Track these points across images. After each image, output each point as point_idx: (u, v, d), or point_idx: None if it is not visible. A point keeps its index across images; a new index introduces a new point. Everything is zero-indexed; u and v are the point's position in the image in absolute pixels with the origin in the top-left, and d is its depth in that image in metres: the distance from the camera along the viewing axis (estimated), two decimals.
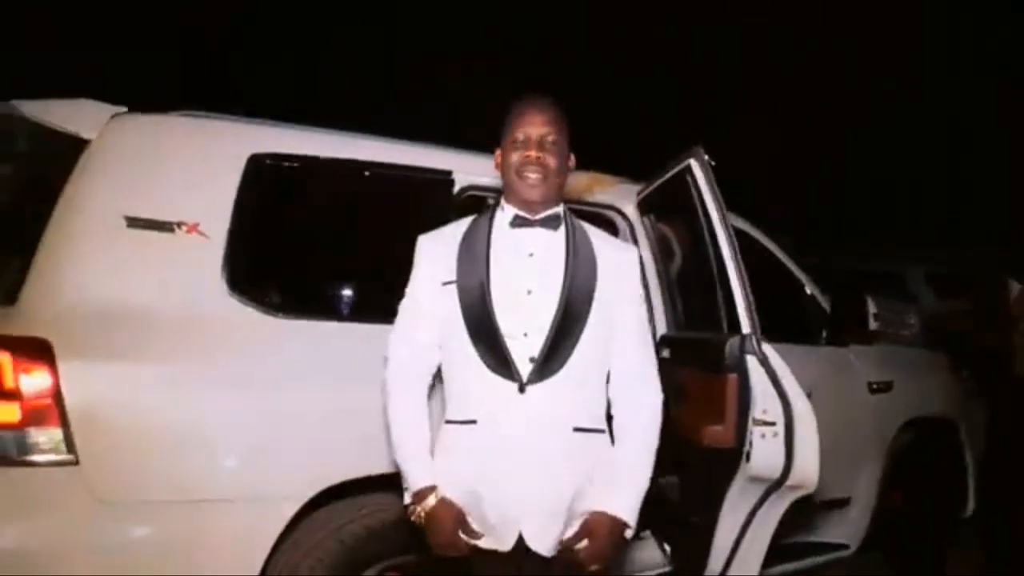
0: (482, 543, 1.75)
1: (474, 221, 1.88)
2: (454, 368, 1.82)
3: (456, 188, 2.57)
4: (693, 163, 2.33)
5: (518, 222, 1.81)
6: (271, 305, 2.19)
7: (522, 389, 1.72)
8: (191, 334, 2.06)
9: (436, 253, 1.85)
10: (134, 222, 2.03)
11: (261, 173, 2.22)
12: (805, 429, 2.10)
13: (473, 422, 1.75)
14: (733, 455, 2.21)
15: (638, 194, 2.94)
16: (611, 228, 3.13)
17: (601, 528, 1.73)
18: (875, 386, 3.54)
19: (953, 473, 3.89)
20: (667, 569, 2.85)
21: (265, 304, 2.18)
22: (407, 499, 1.80)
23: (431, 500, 1.74)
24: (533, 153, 1.77)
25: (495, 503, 1.73)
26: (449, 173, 2.56)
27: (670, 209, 2.73)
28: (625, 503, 1.75)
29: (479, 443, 1.75)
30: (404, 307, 1.89)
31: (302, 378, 2.15)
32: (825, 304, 3.49)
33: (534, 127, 1.78)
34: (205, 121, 2.28)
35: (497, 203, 1.89)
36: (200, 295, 2.10)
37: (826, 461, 3.14)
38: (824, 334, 3.46)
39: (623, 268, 1.86)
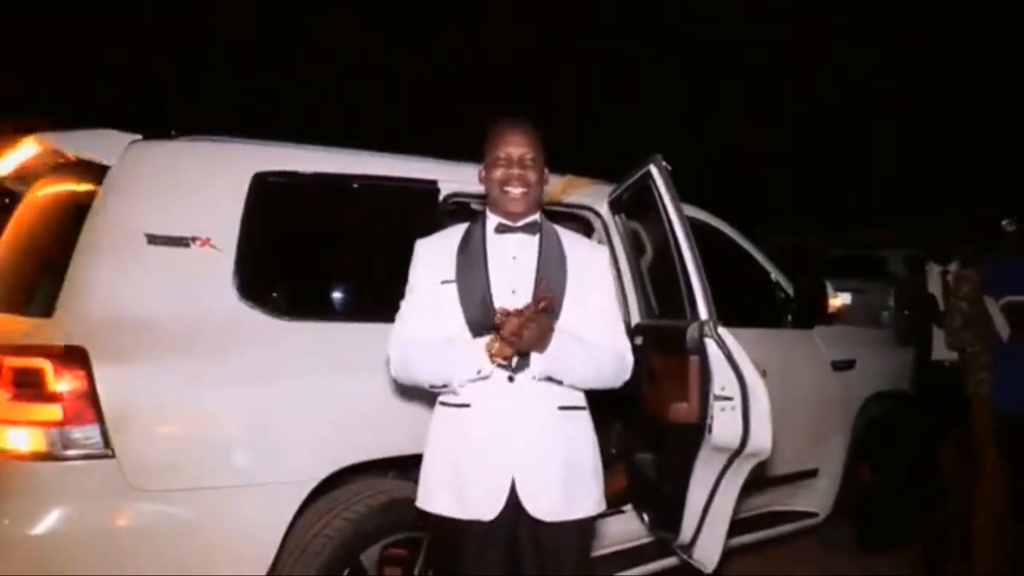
0: (465, 515, 1.95)
1: (468, 228, 2.11)
2: None
3: (441, 196, 2.83)
4: (653, 168, 2.61)
5: (501, 229, 2.05)
6: (276, 308, 2.44)
7: (511, 378, 1.96)
8: (207, 337, 2.30)
9: (434, 255, 2.06)
10: (154, 239, 2.28)
11: (264, 189, 2.47)
12: (758, 403, 2.37)
13: (467, 406, 1.98)
14: (697, 429, 2.49)
15: (610, 195, 3.22)
16: (586, 226, 3.42)
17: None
18: (838, 364, 3.85)
19: (914, 445, 4.19)
20: (648, 539, 3.14)
21: (271, 308, 2.43)
22: (483, 368, 1.91)
23: (491, 336, 1.90)
24: (515, 171, 2.01)
25: (483, 473, 1.94)
26: (435, 182, 2.83)
27: (637, 209, 3.02)
28: (563, 335, 1.92)
29: (471, 423, 1.97)
30: (406, 307, 2.08)
31: (305, 374, 2.41)
32: (789, 289, 3.79)
33: (515, 147, 2.01)
34: (212, 144, 2.54)
35: (484, 212, 2.13)
36: (213, 302, 2.35)
37: (794, 435, 3.50)
38: (789, 318, 3.77)
39: (591, 263, 2.09)
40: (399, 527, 2.47)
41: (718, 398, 2.42)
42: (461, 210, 3.10)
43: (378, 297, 2.63)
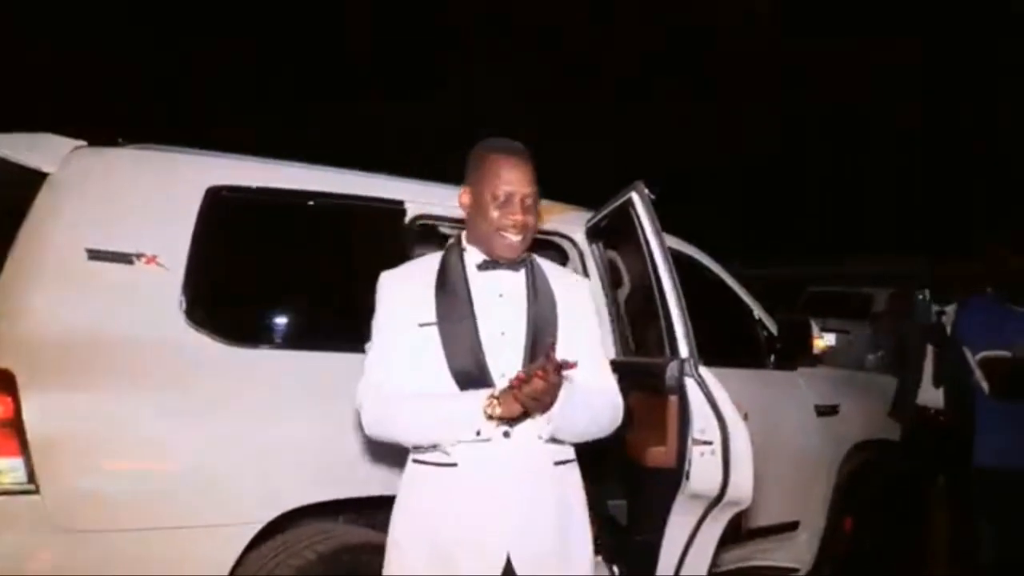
0: None
1: (444, 261, 1.97)
2: None
3: (408, 217, 2.83)
4: (635, 196, 2.64)
5: (485, 266, 1.93)
6: (228, 334, 2.39)
7: (507, 433, 1.82)
8: (150, 364, 2.26)
9: (407, 292, 1.92)
10: (95, 254, 2.24)
11: (218, 205, 2.44)
12: (740, 448, 2.39)
13: (453, 465, 1.83)
14: (675, 474, 2.49)
15: (587, 222, 3.25)
16: (561, 254, 3.44)
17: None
18: (822, 409, 3.89)
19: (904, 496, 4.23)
20: None
21: (222, 333, 2.38)
22: (483, 430, 1.77)
23: (487, 393, 1.76)
24: (519, 217, 1.87)
25: (475, 540, 1.80)
26: (401, 203, 2.82)
27: (616, 238, 3.04)
28: (567, 388, 1.78)
29: (460, 486, 1.82)
30: (377, 353, 1.91)
31: (257, 406, 2.37)
32: (772, 328, 3.83)
33: (519, 186, 1.88)
34: (163, 154, 2.52)
35: (459, 242, 2.00)
36: (158, 325, 2.30)
37: (775, 484, 3.51)
38: (772, 358, 3.81)
39: (579, 300, 2.02)
40: (348, 575, 2.41)
41: (697, 442, 2.42)
42: (429, 232, 3.11)
43: (337, 324, 2.63)
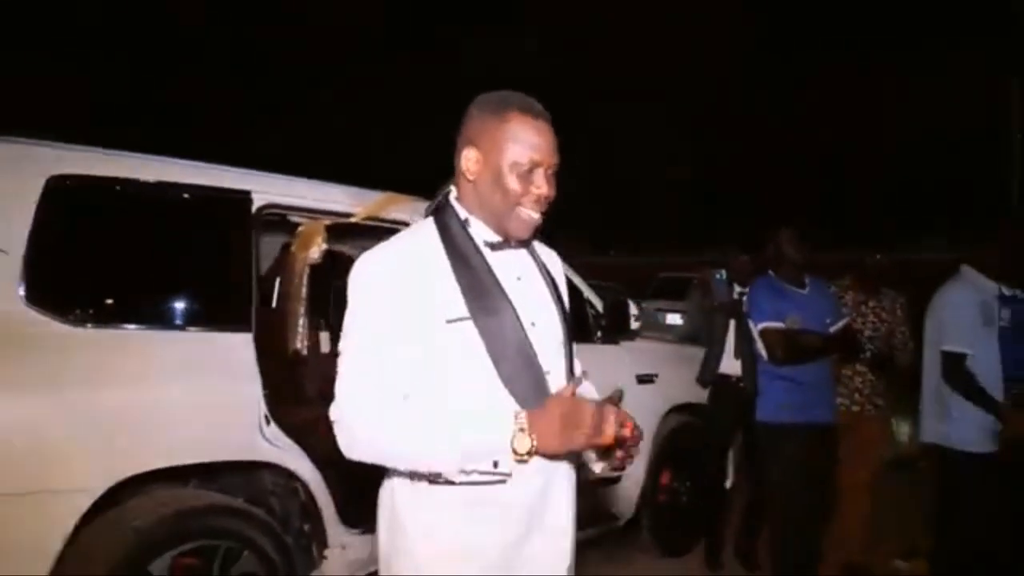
0: None
1: (446, 237, 1.60)
2: None
3: (255, 206, 2.94)
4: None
5: (498, 246, 1.62)
6: (68, 315, 2.47)
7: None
8: None
9: (416, 282, 1.52)
10: None
11: (60, 193, 2.51)
12: None
13: (508, 476, 1.48)
14: None
15: (426, 211, 3.42)
16: None
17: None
18: (642, 377, 4.26)
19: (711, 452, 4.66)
20: None
21: (61, 313, 2.46)
22: (502, 463, 1.45)
23: (520, 418, 1.43)
24: (544, 190, 1.55)
25: (544, 552, 1.58)
26: (247, 192, 2.94)
27: None
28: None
29: (517, 499, 1.53)
30: (371, 354, 1.50)
31: (94, 380, 2.47)
32: (598, 307, 4.15)
33: (547, 154, 1.55)
34: (4, 145, 2.55)
35: (454, 211, 1.64)
36: None
37: None
38: (598, 334, 4.14)
39: (561, 277, 1.79)
40: (191, 536, 2.56)
41: None
42: (279, 222, 3.23)
43: (177, 305, 2.76)
